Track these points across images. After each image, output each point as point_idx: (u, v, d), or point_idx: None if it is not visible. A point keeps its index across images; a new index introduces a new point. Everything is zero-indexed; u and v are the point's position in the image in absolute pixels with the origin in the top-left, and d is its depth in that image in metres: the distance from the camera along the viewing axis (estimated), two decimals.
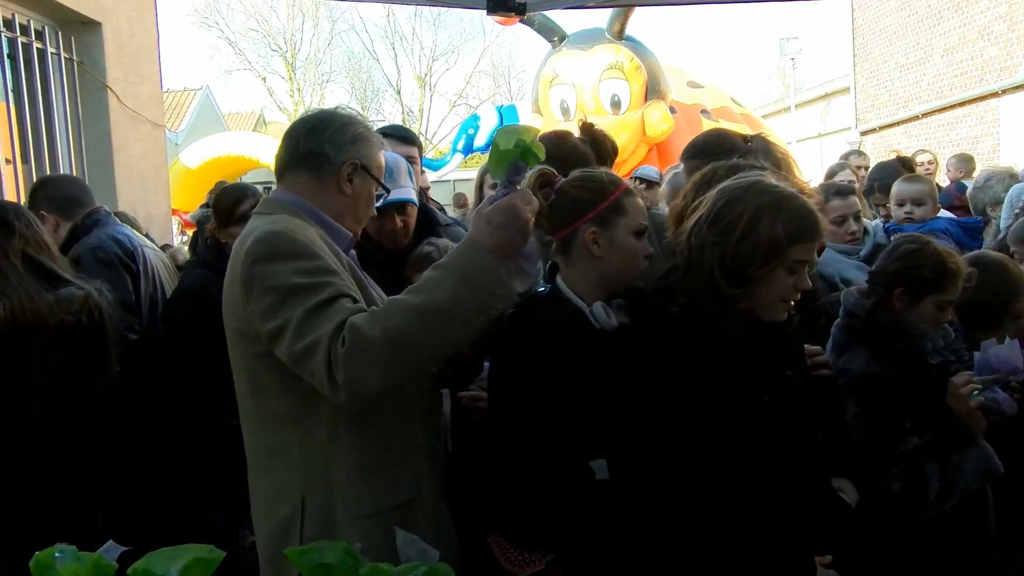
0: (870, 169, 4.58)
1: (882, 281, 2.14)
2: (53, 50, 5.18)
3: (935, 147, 8.76)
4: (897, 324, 2.07)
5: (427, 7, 26.13)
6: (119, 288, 2.94)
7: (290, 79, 31.93)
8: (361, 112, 2.42)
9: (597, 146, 2.41)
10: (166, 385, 2.81)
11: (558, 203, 1.87)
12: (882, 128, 15.20)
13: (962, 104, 12.70)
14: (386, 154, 2.05)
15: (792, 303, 1.73)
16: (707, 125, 7.68)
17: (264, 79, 32.06)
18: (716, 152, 2.45)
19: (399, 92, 32.79)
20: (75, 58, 5.35)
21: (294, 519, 1.66)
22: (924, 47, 13.73)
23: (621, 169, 6.57)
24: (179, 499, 2.88)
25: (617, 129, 7.74)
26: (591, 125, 2.51)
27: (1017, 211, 3.51)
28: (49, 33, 5.16)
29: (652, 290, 1.86)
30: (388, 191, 1.99)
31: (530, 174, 2.00)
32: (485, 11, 3.67)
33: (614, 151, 2.50)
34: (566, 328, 1.78)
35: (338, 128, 1.81)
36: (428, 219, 2.66)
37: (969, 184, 5.84)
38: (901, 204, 3.70)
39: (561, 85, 8.17)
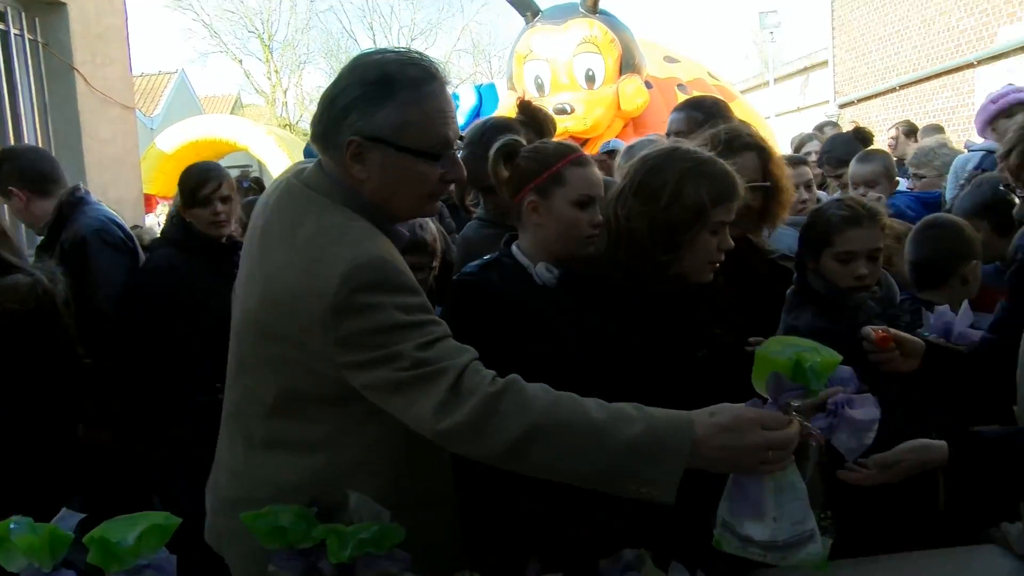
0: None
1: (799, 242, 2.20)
2: (17, 31, 5.13)
3: (913, 119, 8.81)
4: (828, 292, 2.10)
5: None
6: (127, 271, 2.98)
7: (267, 61, 31.60)
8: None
9: (536, 124, 2.46)
10: (132, 360, 2.83)
11: (513, 173, 1.96)
12: (860, 101, 15.24)
13: (938, 75, 12.74)
14: None
15: (718, 264, 1.80)
16: (683, 99, 7.67)
17: (240, 61, 31.72)
18: (713, 111, 2.65)
19: None
20: (40, 40, 5.30)
21: None
22: (902, 19, 13.74)
23: (596, 144, 6.58)
24: (156, 478, 2.90)
25: (592, 104, 7.77)
26: (528, 103, 2.56)
27: (962, 182, 3.53)
28: (12, 14, 5.10)
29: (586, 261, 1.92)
30: (445, 155, 1.56)
31: (499, 145, 2.03)
32: None
33: (552, 128, 2.56)
34: (511, 285, 1.86)
35: (341, 90, 1.52)
36: None
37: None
38: (856, 187, 3.70)
39: (535, 61, 8.14)
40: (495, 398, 1.39)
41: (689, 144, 1.88)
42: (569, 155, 1.95)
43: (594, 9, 8.03)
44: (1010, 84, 4.60)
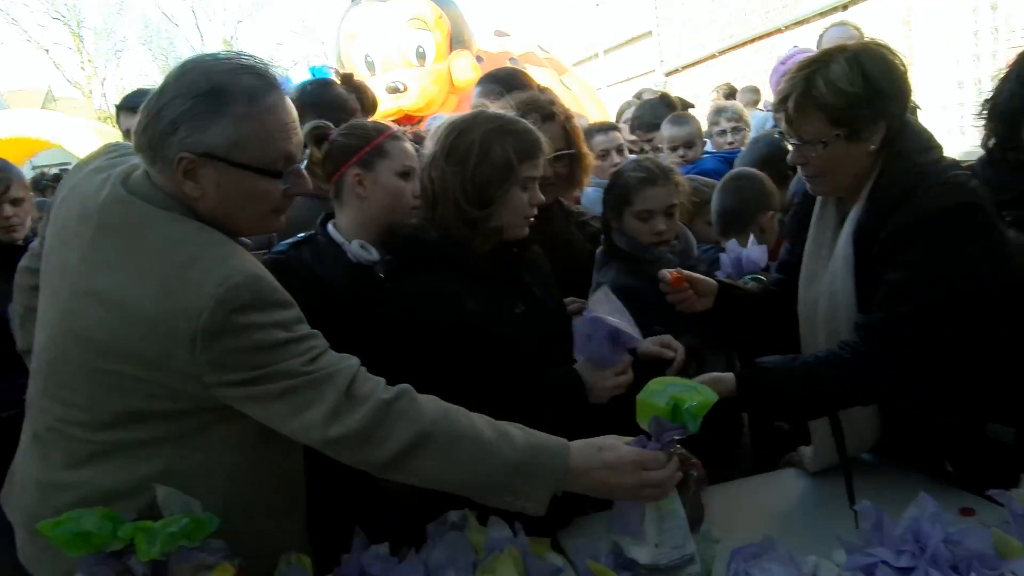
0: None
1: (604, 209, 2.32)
2: None
3: (733, 83, 9.36)
4: (631, 248, 2.22)
5: None
6: None
7: (79, 50, 29.33)
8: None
9: (360, 95, 2.49)
10: None
11: (329, 152, 2.06)
12: (684, 68, 15.95)
13: (752, 41, 13.53)
14: None
15: (532, 219, 1.89)
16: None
17: (47, 51, 29.28)
18: (511, 83, 2.79)
19: None
20: None
21: None
22: None
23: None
24: None
25: (424, 80, 7.75)
26: (350, 76, 2.57)
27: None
28: None
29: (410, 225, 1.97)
30: (288, 170, 1.49)
31: (307, 129, 2.03)
32: None
33: (373, 104, 2.58)
34: (324, 263, 1.98)
35: (168, 101, 1.40)
36: None
37: (757, 114, 6.28)
38: (674, 148, 3.87)
39: (363, 39, 8.00)
40: (389, 404, 1.40)
41: (493, 108, 1.95)
42: (387, 130, 2.08)
43: None
44: (795, 46, 4.96)
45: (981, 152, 2.19)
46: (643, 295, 2.00)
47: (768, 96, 7.14)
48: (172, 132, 1.39)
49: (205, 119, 1.39)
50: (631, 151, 3.62)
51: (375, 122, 2.23)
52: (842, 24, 3.86)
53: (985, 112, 2.13)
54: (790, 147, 1.84)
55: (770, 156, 2.89)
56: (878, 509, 1.51)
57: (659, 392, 1.51)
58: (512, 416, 1.72)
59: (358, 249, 2.03)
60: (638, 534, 1.52)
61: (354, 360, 1.45)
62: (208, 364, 1.36)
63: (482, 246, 1.85)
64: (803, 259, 1.96)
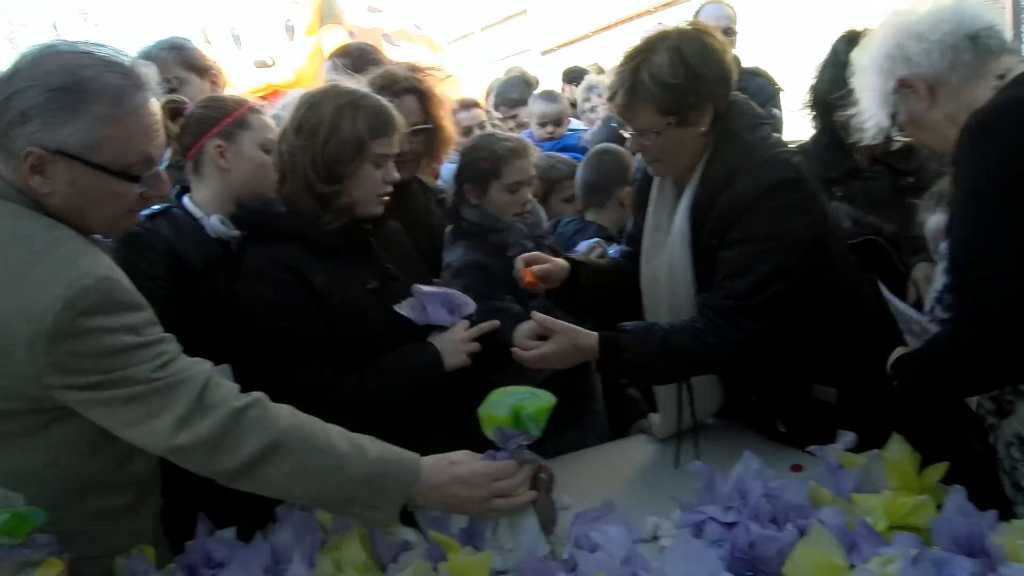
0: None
1: (456, 180, 2.32)
2: None
3: (608, 63, 9.55)
4: (482, 221, 2.24)
5: None
6: None
7: None
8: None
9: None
10: None
11: (187, 125, 2.02)
12: (559, 47, 16.14)
13: (624, 21, 13.82)
14: None
15: (386, 196, 1.88)
16: (388, 49, 7.67)
17: None
18: (363, 58, 2.78)
19: None
20: None
21: None
22: None
23: None
24: None
25: (294, 54, 7.52)
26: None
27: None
28: None
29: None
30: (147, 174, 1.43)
31: (161, 103, 1.94)
32: None
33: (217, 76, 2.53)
34: (182, 235, 1.93)
35: (18, 91, 1.31)
36: None
37: None
38: (543, 124, 3.93)
39: (229, 13, 7.69)
40: (240, 412, 1.36)
41: (348, 83, 1.92)
42: (247, 103, 2.07)
43: None
44: (659, 23, 5.06)
45: None
46: (491, 269, 2.03)
47: None
48: (22, 124, 1.30)
49: (62, 115, 1.30)
50: (495, 127, 3.64)
51: (234, 96, 2.23)
52: (717, 2, 3.88)
53: (809, 97, 2.30)
54: (627, 135, 1.91)
55: (612, 138, 3.00)
56: (709, 468, 1.60)
57: (499, 403, 1.54)
58: (371, 394, 1.74)
59: (218, 224, 1.98)
60: (487, 546, 1.53)
61: (206, 365, 1.41)
62: (51, 367, 1.29)
63: (332, 222, 1.82)
64: (644, 234, 2.05)
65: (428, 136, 2.31)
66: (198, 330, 1.59)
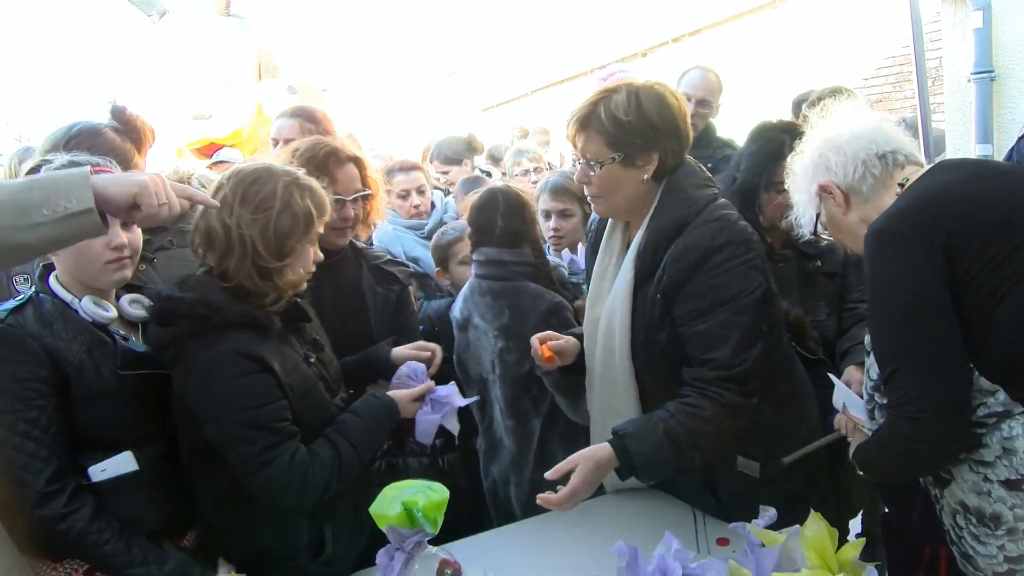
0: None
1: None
2: None
3: (542, 123, 9.88)
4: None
5: None
6: None
7: None
8: None
9: (131, 130, 2.37)
10: None
11: None
12: (499, 105, 16.51)
13: (561, 82, 14.21)
14: None
15: (311, 273, 1.92)
16: (331, 104, 7.71)
17: None
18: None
19: None
20: None
21: None
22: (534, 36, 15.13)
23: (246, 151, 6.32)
24: None
25: (230, 109, 7.45)
26: (123, 110, 2.41)
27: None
28: None
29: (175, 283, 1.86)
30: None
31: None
32: None
33: (152, 134, 2.46)
34: (54, 329, 1.74)
35: None
36: None
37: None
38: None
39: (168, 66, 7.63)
40: None
41: (274, 162, 1.97)
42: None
43: (226, 11, 7.72)
44: (612, 73, 5.15)
45: None
46: None
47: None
48: None
49: None
50: (435, 188, 3.68)
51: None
52: (703, 69, 3.84)
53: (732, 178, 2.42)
54: (577, 167, 1.99)
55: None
56: (632, 549, 1.61)
57: (392, 499, 1.52)
58: (347, 457, 1.82)
59: (91, 307, 1.78)
60: None
61: None
62: None
63: (274, 301, 1.84)
64: (591, 280, 2.13)
65: (365, 201, 2.35)
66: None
